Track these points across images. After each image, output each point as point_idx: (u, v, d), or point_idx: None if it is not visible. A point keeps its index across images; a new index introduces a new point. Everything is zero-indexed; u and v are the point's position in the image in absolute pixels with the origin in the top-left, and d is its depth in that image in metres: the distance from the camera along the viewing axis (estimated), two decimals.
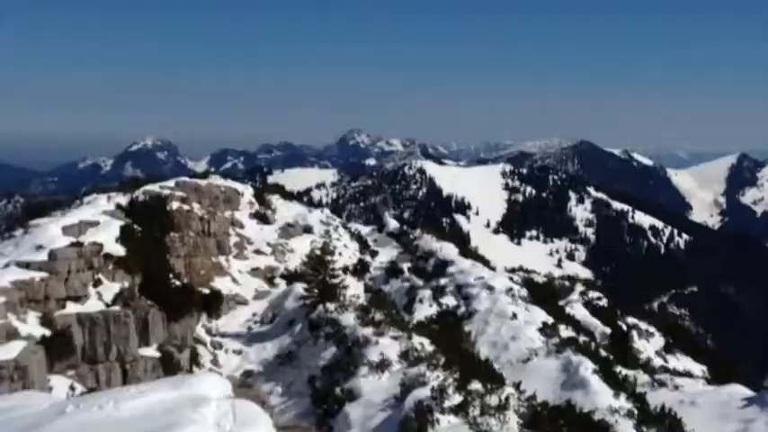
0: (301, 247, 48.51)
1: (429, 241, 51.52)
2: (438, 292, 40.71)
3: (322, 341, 30.35)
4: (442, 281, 42.38)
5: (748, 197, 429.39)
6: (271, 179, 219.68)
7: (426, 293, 40.87)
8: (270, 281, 43.93)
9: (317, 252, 38.50)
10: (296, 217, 54.05)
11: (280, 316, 36.94)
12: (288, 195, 63.84)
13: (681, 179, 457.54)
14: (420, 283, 43.21)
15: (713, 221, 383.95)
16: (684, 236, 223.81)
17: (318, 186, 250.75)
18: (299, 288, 37.63)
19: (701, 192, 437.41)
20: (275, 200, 57.04)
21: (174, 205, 41.37)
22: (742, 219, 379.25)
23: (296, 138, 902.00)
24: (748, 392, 28.85)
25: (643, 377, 31.21)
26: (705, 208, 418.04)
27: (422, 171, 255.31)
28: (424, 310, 38.88)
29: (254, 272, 44.32)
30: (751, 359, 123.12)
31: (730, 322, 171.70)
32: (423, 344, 26.94)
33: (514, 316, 34.63)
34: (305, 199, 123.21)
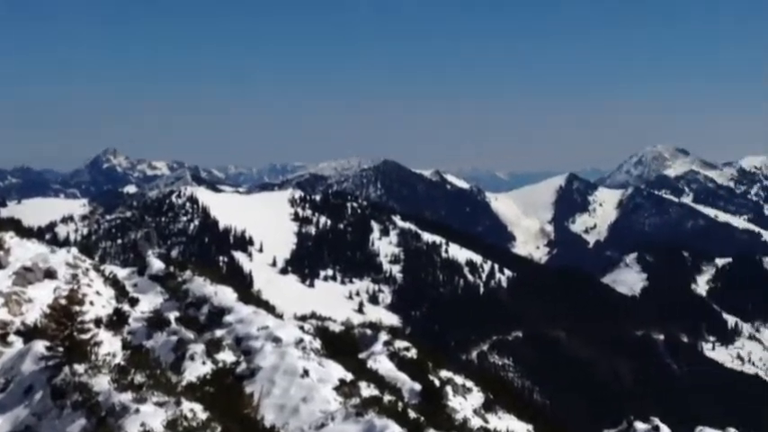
0: (42, 296, 46.87)
1: (202, 285, 51.18)
2: (213, 347, 40.64)
3: (69, 411, 29.61)
4: (218, 333, 42.36)
5: (579, 224, 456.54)
6: (4, 212, 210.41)
7: (199, 348, 40.71)
8: (2, 339, 42.31)
9: (62, 301, 37.49)
10: (35, 259, 52.17)
11: (14, 382, 35.65)
12: (25, 232, 61.40)
13: (502, 204, 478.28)
14: (191, 336, 42.96)
15: (540, 254, 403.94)
16: (507, 272, 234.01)
17: (65, 220, 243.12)
18: (40, 347, 36.51)
19: (526, 219, 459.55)
20: (8, 238, 54.83)
21: None
22: (572, 250, 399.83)
23: (36, 161, 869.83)
24: None
25: None
26: (530, 238, 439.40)
27: (193, 200, 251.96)
28: (197, 368, 38.73)
29: None
30: (585, 413, 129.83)
31: (560, 371, 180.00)
32: (194, 410, 26.98)
33: (306, 373, 35.14)
34: (47, 236, 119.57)
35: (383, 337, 52.61)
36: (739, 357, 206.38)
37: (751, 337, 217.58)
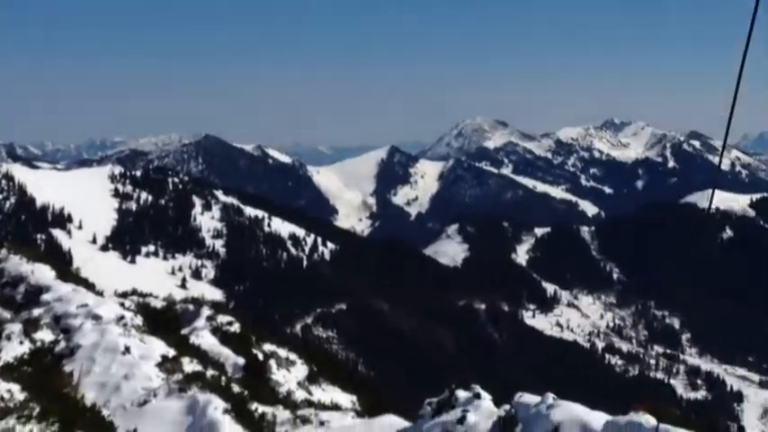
0: None
1: (18, 263, 49.96)
2: (30, 326, 39.80)
3: None
4: (36, 312, 41.46)
5: (401, 197, 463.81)
6: None
7: (15, 328, 39.81)
8: None
9: None
10: None
11: None
12: None
13: (324, 178, 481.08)
14: (7, 315, 41.96)
15: (362, 226, 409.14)
16: (330, 245, 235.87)
17: None
18: None
19: (348, 192, 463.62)
20: None
21: None
22: (394, 222, 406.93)
23: None
24: (403, 423, 31.37)
25: (284, 414, 32.79)
26: (353, 211, 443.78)
27: (8, 177, 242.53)
28: (13, 348, 37.89)
29: None
30: (408, 382, 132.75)
31: (384, 342, 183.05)
32: (11, 391, 26.41)
33: (127, 350, 34.88)
34: None
35: (206, 312, 52.43)
36: (558, 324, 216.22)
37: (569, 305, 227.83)
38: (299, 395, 41.14)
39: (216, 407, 29.41)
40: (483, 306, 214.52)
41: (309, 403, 38.13)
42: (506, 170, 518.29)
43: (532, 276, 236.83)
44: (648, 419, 21.84)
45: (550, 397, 25.55)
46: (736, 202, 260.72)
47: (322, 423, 32.66)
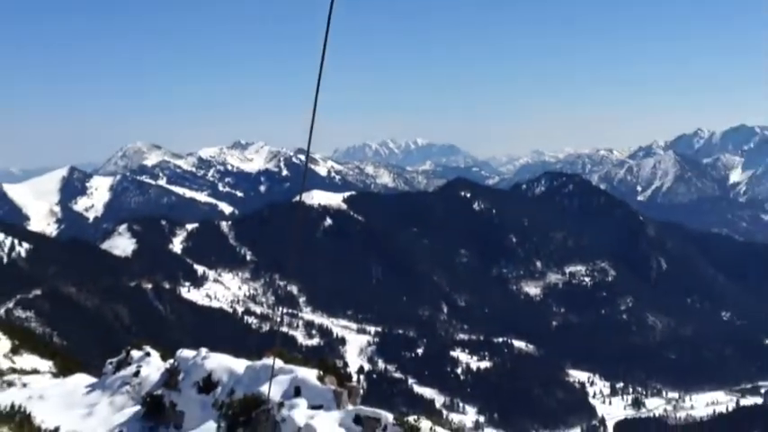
0: None
1: None
2: None
3: None
4: None
5: (80, 205, 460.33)
6: None
7: None
8: None
9: None
10: None
11: None
12: None
13: (16, 192, 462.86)
14: None
15: (51, 229, 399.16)
16: (25, 244, 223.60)
17: None
18: None
19: (38, 203, 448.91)
20: None
21: None
22: (76, 225, 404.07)
23: None
24: (91, 379, 32.42)
25: None
26: (42, 218, 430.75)
27: None
28: None
29: None
30: (95, 348, 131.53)
31: (73, 318, 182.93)
32: None
33: None
34: None
35: None
36: (208, 296, 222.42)
37: (215, 281, 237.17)
38: (5, 364, 40.57)
39: None
40: (150, 286, 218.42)
41: (13, 370, 37.89)
42: (162, 182, 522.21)
43: (186, 261, 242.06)
44: (277, 361, 24.11)
45: (204, 351, 27.62)
46: (333, 199, 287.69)
47: (24, 385, 32.90)
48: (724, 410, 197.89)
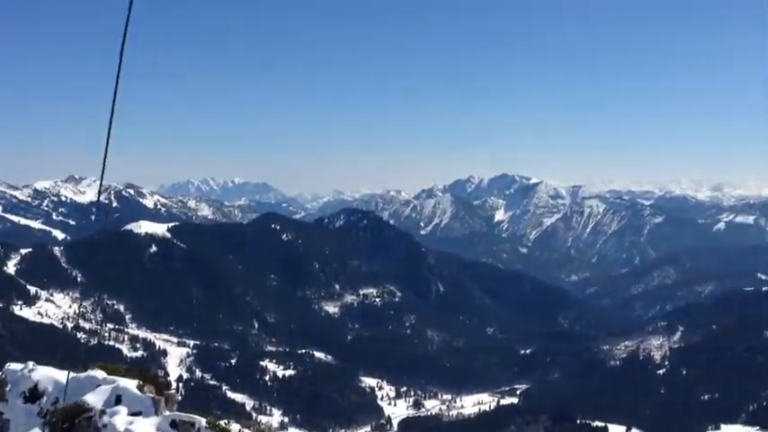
0: None
1: None
2: None
3: None
4: None
5: None
6: None
7: None
8: None
9: None
10: None
11: None
12: None
13: None
14: None
15: None
16: None
17: None
18: None
19: None
20: None
21: None
22: None
23: None
24: None
25: None
26: None
27: None
28: None
29: None
30: None
31: None
32: None
33: None
34: None
35: None
36: (39, 314, 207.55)
37: (47, 300, 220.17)
38: None
39: None
40: None
41: None
42: None
43: (19, 281, 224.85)
44: (100, 372, 23.03)
45: (31, 364, 26.10)
46: (158, 228, 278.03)
47: None
48: (488, 409, 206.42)
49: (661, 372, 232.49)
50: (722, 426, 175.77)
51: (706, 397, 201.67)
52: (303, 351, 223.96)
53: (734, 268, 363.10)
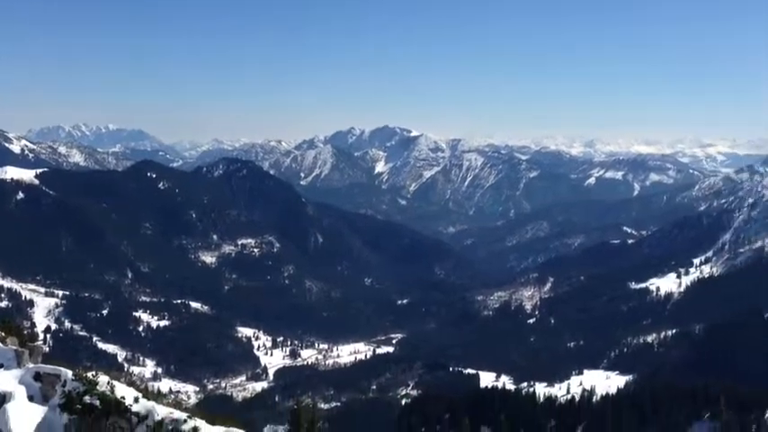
0: None
1: None
2: None
3: None
4: None
5: None
6: None
7: None
8: None
9: None
10: None
11: None
12: None
13: None
14: None
15: None
16: None
17: None
18: None
19: None
20: None
21: None
22: None
23: None
24: None
25: None
26: None
27: None
28: None
29: None
30: None
31: None
32: None
33: None
34: None
35: None
36: None
37: None
38: None
39: None
40: None
41: None
42: None
43: None
44: None
45: None
46: (26, 174, 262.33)
47: None
48: (364, 357, 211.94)
49: (531, 321, 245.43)
50: (585, 371, 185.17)
51: (572, 344, 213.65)
52: (179, 301, 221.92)
53: (602, 222, 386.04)
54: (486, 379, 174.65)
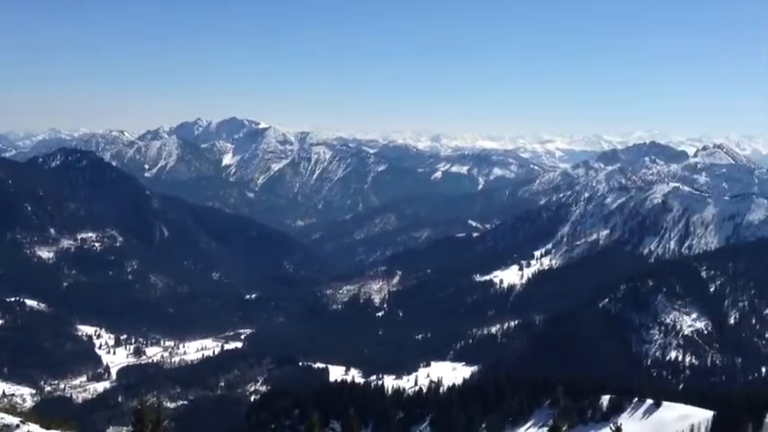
0: None
1: None
2: None
3: None
4: None
5: None
6: None
7: None
8: None
9: None
10: None
11: None
12: None
13: None
14: None
15: None
16: None
17: None
18: None
19: None
20: None
21: None
22: None
23: None
24: None
25: None
26: None
27: None
28: None
29: None
30: None
31: None
32: None
33: None
34: None
35: None
36: None
37: None
38: None
39: None
40: None
41: None
42: None
43: None
44: None
45: None
46: None
47: None
48: (211, 354, 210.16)
49: (380, 314, 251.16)
50: (433, 363, 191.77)
51: (419, 336, 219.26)
52: (12, 299, 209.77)
53: (448, 215, 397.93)
54: (336, 373, 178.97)
